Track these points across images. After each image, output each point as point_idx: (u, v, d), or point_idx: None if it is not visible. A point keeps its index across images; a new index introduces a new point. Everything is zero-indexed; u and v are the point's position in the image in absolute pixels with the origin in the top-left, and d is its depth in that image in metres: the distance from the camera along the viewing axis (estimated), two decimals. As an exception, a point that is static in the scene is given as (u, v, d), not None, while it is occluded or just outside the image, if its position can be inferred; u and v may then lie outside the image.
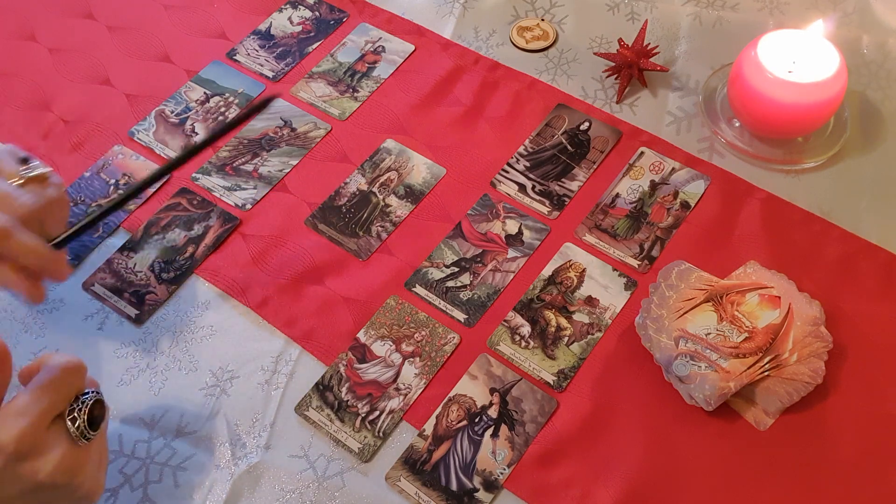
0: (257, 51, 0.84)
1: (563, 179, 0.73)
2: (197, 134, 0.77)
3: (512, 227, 0.70)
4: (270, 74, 0.82)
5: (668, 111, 0.78)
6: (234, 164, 0.75)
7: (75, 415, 0.48)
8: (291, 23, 0.86)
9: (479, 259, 0.68)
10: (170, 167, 0.59)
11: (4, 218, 0.53)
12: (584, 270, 0.67)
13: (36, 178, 0.58)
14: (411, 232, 0.70)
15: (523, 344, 0.63)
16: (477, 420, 0.60)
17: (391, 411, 0.60)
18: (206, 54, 0.83)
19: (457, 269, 0.68)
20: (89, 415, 0.48)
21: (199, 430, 0.60)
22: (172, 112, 0.79)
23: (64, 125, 0.78)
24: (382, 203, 0.72)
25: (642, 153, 0.74)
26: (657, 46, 0.80)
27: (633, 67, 0.78)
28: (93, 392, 0.49)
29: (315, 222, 0.71)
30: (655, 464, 0.58)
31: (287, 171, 0.74)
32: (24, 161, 0.59)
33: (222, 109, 0.79)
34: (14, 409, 0.45)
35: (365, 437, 0.59)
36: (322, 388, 0.62)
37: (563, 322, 0.64)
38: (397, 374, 0.62)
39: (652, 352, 0.61)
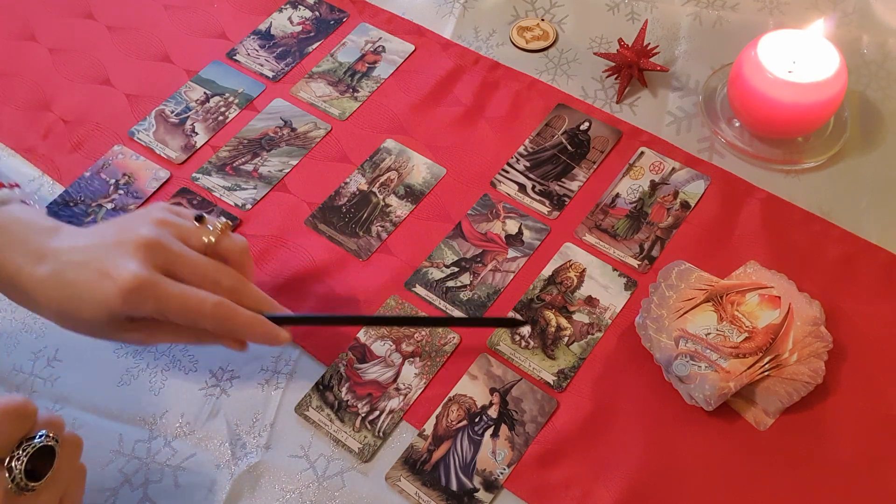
0: (257, 51, 0.84)
1: (563, 179, 0.73)
2: (197, 134, 0.77)
3: (512, 227, 0.70)
4: (270, 74, 0.82)
5: (668, 111, 0.78)
6: (234, 164, 0.75)
7: (12, 464, 0.43)
8: (291, 23, 0.86)
9: (479, 259, 0.68)
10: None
11: (234, 278, 0.54)
12: (584, 270, 0.67)
13: (223, 230, 0.57)
14: (411, 232, 0.70)
15: (523, 344, 0.63)
16: (477, 420, 0.60)
17: (391, 411, 0.60)
18: (206, 54, 0.83)
19: (457, 269, 0.68)
20: (31, 464, 0.43)
21: (199, 430, 0.60)
22: (172, 112, 0.79)
23: (64, 125, 0.78)
24: (382, 203, 0.72)
25: (642, 153, 0.75)
26: (657, 46, 0.80)
27: (633, 67, 0.78)
28: (44, 436, 0.44)
29: (315, 222, 0.71)
30: (655, 464, 0.58)
31: (287, 171, 0.74)
32: (199, 219, 0.57)
33: (222, 109, 0.79)
34: None
35: (365, 437, 0.59)
36: (322, 388, 0.62)
37: (563, 322, 0.64)
38: (397, 374, 0.62)
39: (652, 352, 0.61)
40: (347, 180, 0.74)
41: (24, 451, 0.44)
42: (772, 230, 0.69)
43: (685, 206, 0.71)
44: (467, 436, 0.59)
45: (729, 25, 0.84)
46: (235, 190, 0.73)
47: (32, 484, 0.44)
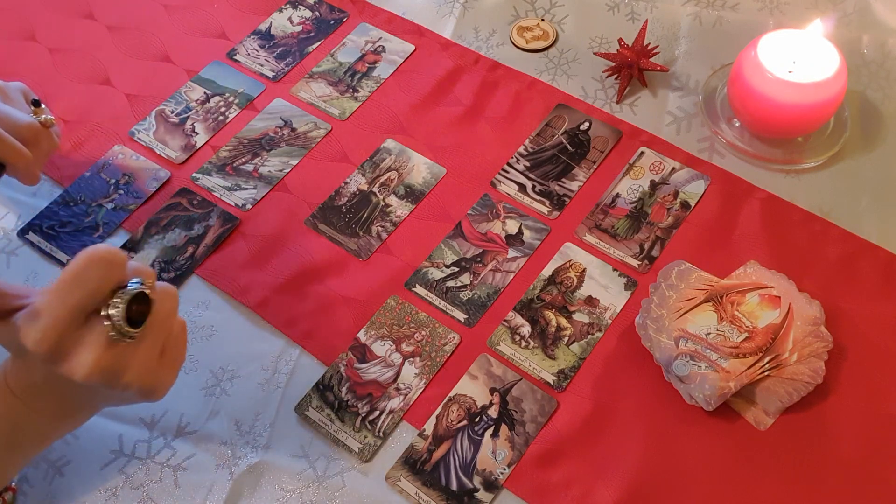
0: (257, 51, 0.84)
1: (563, 179, 0.73)
2: (197, 134, 0.77)
3: (512, 226, 0.70)
4: (270, 74, 0.82)
5: (668, 111, 0.78)
6: (235, 164, 0.75)
7: (111, 311, 0.43)
8: (291, 23, 0.86)
9: (479, 259, 0.68)
10: None
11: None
12: (584, 270, 0.67)
13: (45, 123, 0.64)
14: (411, 232, 0.70)
15: (523, 344, 0.63)
16: (477, 420, 0.60)
17: (391, 411, 0.60)
18: (206, 54, 0.83)
19: (457, 269, 0.68)
20: (128, 310, 0.43)
21: (199, 429, 0.60)
22: (172, 112, 0.79)
23: (64, 125, 0.78)
24: (382, 203, 0.72)
25: (642, 153, 0.75)
26: (657, 46, 0.80)
27: (633, 67, 0.78)
28: (137, 283, 0.44)
29: (315, 222, 0.71)
30: (655, 464, 0.58)
31: (287, 170, 0.74)
32: (36, 103, 0.65)
33: (222, 109, 0.79)
34: (34, 310, 0.42)
35: (365, 437, 0.59)
36: (322, 388, 0.62)
37: (564, 322, 0.64)
38: (397, 374, 0.62)
39: (652, 352, 0.61)
40: (347, 180, 0.74)
41: (119, 297, 0.43)
42: (772, 230, 0.69)
43: (685, 206, 0.71)
44: (467, 436, 0.59)
45: (729, 25, 0.84)
46: (235, 190, 0.73)
47: (133, 330, 0.43)
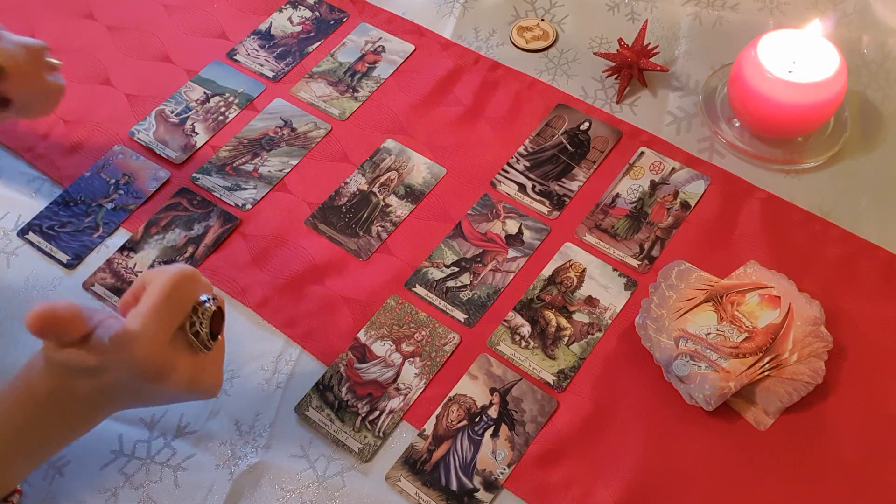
0: (257, 51, 0.84)
1: (563, 179, 0.73)
2: (197, 134, 0.77)
3: (512, 227, 0.70)
4: (270, 74, 0.82)
5: (668, 111, 0.78)
6: (235, 164, 0.75)
7: (197, 328, 0.48)
8: (291, 23, 0.86)
9: (479, 259, 0.68)
10: None
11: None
12: (584, 270, 0.67)
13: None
14: (411, 232, 0.70)
15: (523, 344, 0.63)
16: (477, 420, 0.60)
17: (391, 411, 0.60)
18: (206, 54, 0.83)
19: (457, 269, 0.68)
20: (210, 325, 0.48)
21: (199, 429, 0.60)
22: (172, 112, 0.79)
23: (64, 125, 0.78)
24: (382, 203, 0.72)
25: (642, 153, 0.74)
26: (657, 46, 0.80)
27: (633, 67, 0.78)
28: (210, 300, 0.49)
29: (315, 222, 0.71)
30: (655, 464, 0.58)
31: (287, 171, 0.74)
32: None
33: (222, 109, 0.79)
34: (131, 333, 0.45)
35: (365, 437, 0.59)
36: (322, 388, 0.62)
37: (563, 322, 0.64)
38: (397, 374, 0.62)
39: (652, 352, 0.61)
40: (347, 180, 0.74)
41: (203, 314, 0.48)
42: (772, 230, 0.69)
43: (685, 206, 0.71)
44: (467, 436, 0.59)
45: (729, 25, 0.84)
46: (235, 190, 0.73)
47: (213, 343, 0.50)
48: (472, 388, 0.61)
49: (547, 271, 0.67)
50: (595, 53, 0.81)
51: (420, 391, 0.61)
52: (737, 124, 0.76)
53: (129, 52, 0.84)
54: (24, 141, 0.77)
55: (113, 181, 0.74)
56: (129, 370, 0.46)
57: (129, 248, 0.69)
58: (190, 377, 0.49)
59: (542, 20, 0.86)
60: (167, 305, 0.46)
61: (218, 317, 0.50)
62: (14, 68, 0.63)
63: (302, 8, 0.88)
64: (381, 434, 0.59)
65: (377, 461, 0.58)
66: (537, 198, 0.72)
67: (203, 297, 0.49)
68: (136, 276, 0.68)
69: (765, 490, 0.56)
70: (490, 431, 0.59)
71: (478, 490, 0.57)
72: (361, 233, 0.70)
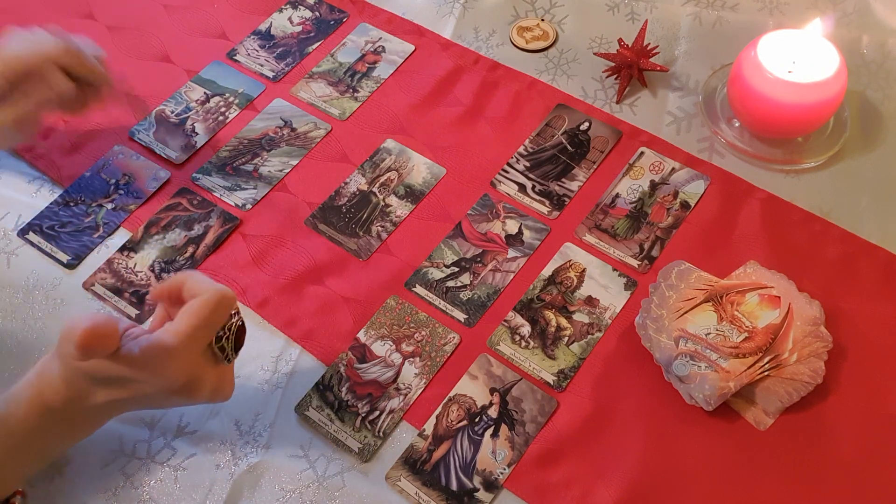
0: (257, 51, 0.84)
1: (563, 179, 0.73)
2: (197, 134, 0.77)
3: (512, 227, 0.70)
4: (270, 74, 0.82)
5: (668, 111, 0.78)
6: (235, 164, 0.75)
7: (223, 343, 0.50)
8: (291, 23, 0.86)
9: (479, 259, 0.68)
10: None
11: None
12: (584, 270, 0.67)
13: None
14: (411, 232, 0.70)
15: (523, 344, 0.63)
16: (477, 420, 0.60)
17: (391, 411, 0.60)
18: (206, 54, 0.83)
19: (457, 269, 0.68)
20: (235, 339, 0.51)
21: (199, 429, 0.60)
22: (172, 112, 0.79)
23: (64, 125, 0.78)
24: (382, 203, 0.72)
25: (642, 153, 0.75)
26: (657, 46, 0.80)
27: (633, 67, 0.78)
28: (235, 315, 0.51)
29: (315, 222, 0.71)
30: (655, 464, 0.58)
31: (287, 171, 0.74)
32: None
33: (222, 109, 0.79)
34: (166, 347, 0.47)
35: (365, 437, 0.59)
36: (322, 388, 0.62)
37: (563, 322, 0.64)
38: (397, 374, 0.62)
39: (652, 352, 0.61)
40: (347, 180, 0.74)
41: (230, 329, 0.51)
42: (772, 230, 0.69)
43: (685, 206, 0.71)
44: (467, 436, 0.59)
45: (729, 25, 0.84)
46: (235, 190, 0.73)
47: (236, 356, 0.52)
48: (472, 388, 0.61)
49: (547, 271, 0.67)
50: (595, 53, 0.81)
51: (420, 391, 0.61)
52: (737, 124, 0.76)
53: (129, 52, 0.84)
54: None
55: (113, 181, 0.74)
56: (158, 383, 0.48)
57: (130, 248, 0.69)
58: (213, 388, 0.51)
59: (542, 20, 0.86)
60: (205, 326, 0.48)
61: (242, 331, 0.52)
62: (105, 84, 0.66)
63: (302, 8, 0.88)
64: (381, 434, 0.59)
65: (377, 461, 0.58)
66: (537, 198, 0.72)
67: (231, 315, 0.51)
68: (137, 275, 0.68)
69: (765, 490, 0.57)
70: (490, 431, 0.59)
71: (478, 490, 0.57)
72: (361, 233, 0.70)
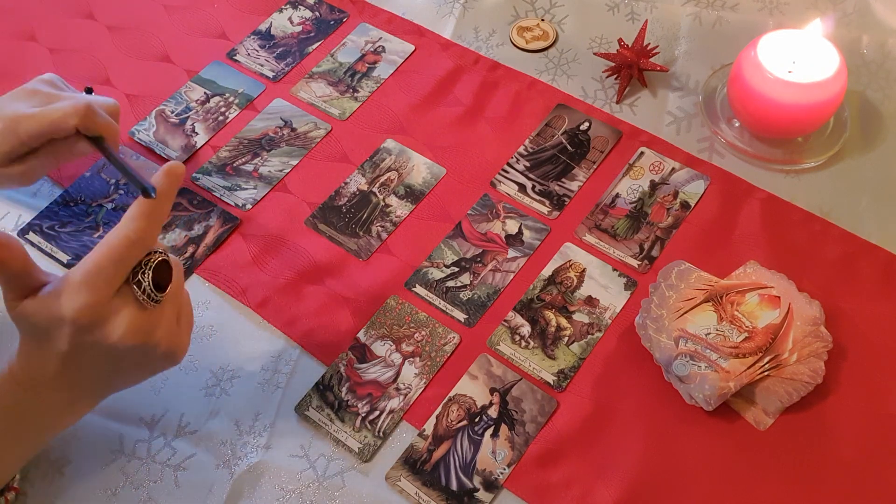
0: (257, 51, 0.84)
1: (563, 179, 0.73)
2: (197, 134, 0.77)
3: (512, 227, 0.70)
4: (270, 74, 0.82)
5: (667, 111, 0.78)
6: (235, 164, 0.75)
7: (139, 278, 0.46)
8: (291, 23, 0.86)
9: (479, 259, 0.68)
10: None
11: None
12: (584, 270, 0.67)
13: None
14: (411, 232, 0.70)
15: (523, 344, 0.63)
16: (477, 420, 0.60)
17: (391, 411, 0.60)
18: (206, 54, 0.83)
19: (457, 269, 0.68)
20: (154, 277, 0.47)
21: (199, 429, 0.60)
22: (172, 112, 0.79)
23: (64, 125, 0.78)
24: (382, 203, 0.72)
25: (642, 153, 0.75)
26: (657, 46, 0.80)
27: (633, 67, 0.78)
28: (157, 252, 0.48)
29: (315, 222, 0.71)
30: (655, 464, 0.58)
31: (287, 171, 0.74)
32: (88, 91, 0.68)
33: (222, 109, 0.79)
34: (76, 282, 0.45)
35: (365, 437, 0.59)
36: (322, 388, 0.62)
37: (563, 322, 0.64)
38: (397, 374, 0.62)
39: (652, 352, 0.61)
40: (347, 180, 0.74)
41: (146, 265, 0.47)
42: (772, 230, 0.69)
43: (685, 206, 0.71)
44: (467, 436, 0.59)
45: (729, 25, 0.84)
46: (235, 190, 0.73)
47: (159, 294, 0.48)
48: (472, 388, 0.61)
49: (547, 271, 0.67)
50: (595, 53, 0.82)
51: (420, 391, 0.61)
52: (737, 124, 0.76)
53: (129, 52, 0.84)
54: (25, 141, 0.77)
55: (113, 181, 0.74)
56: (68, 326, 0.46)
57: (130, 248, 0.69)
58: (137, 329, 0.47)
59: (542, 20, 0.86)
60: (116, 269, 0.46)
61: (164, 267, 0.48)
62: (115, 135, 0.64)
63: (302, 8, 0.88)
64: (381, 434, 0.59)
65: (377, 461, 0.58)
66: (537, 198, 0.72)
67: (151, 252, 0.47)
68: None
69: (765, 490, 0.57)
70: (490, 431, 0.59)
71: (478, 490, 0.57)
72: (361, 233, 0.70)
